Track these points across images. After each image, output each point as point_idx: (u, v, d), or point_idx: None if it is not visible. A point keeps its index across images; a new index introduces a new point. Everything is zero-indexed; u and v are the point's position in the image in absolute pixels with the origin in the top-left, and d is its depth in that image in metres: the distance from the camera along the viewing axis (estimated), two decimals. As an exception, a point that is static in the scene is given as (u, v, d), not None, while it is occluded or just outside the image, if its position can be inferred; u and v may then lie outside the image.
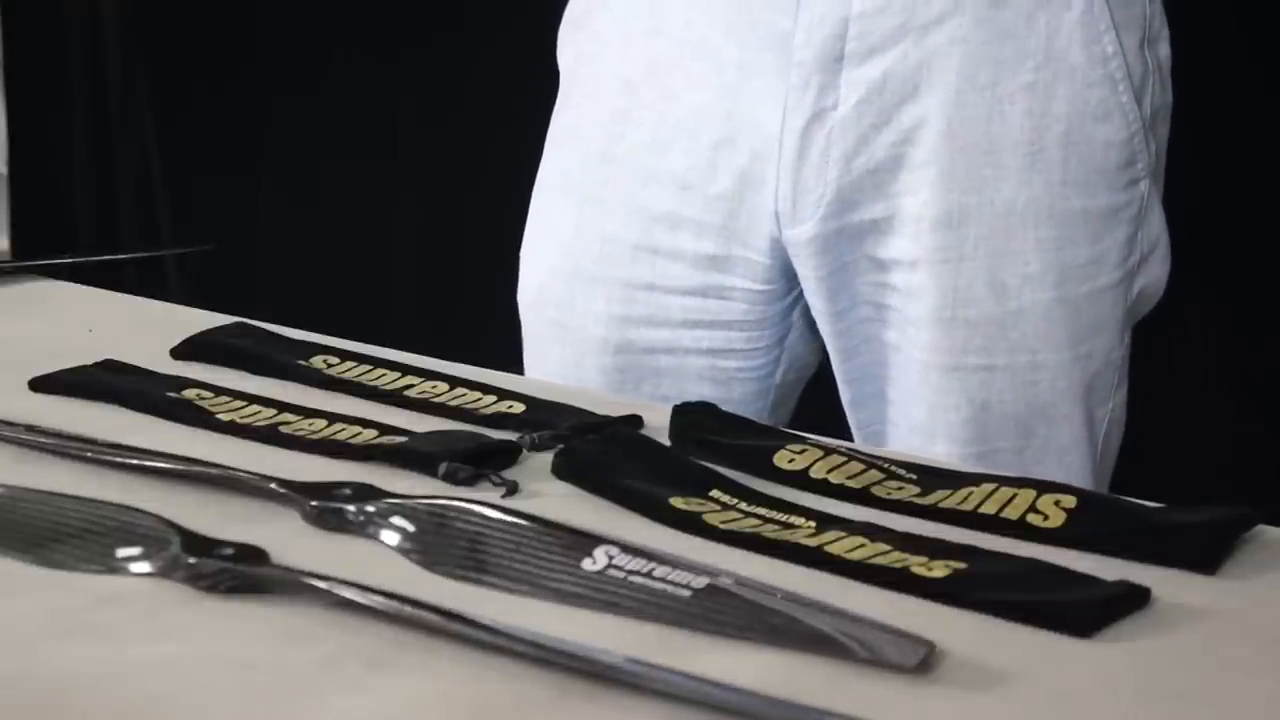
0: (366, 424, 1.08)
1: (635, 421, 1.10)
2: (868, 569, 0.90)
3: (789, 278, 1.34)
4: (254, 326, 1.25)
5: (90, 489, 0.99)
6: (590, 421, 1.09)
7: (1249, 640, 0.86)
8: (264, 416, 1.09)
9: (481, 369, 1.18)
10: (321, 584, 0.87)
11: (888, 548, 0.92)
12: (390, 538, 0.94)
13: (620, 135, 1.35)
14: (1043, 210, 1.29)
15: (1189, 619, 0.87)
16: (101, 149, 2.70)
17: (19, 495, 0.98)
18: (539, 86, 1.44)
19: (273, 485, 0.98)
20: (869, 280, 1.32)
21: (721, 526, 0.95)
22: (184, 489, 1.00)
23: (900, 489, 1.00)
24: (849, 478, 1.01)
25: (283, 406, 1.11)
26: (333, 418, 1.09)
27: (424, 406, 1.12)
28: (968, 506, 0.98)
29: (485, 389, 1.14)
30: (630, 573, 0.88)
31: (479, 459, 1.02)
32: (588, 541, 0.91)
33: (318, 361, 1.19)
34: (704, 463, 1.03)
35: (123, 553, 0.92)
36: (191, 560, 0.90)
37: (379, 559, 0.92)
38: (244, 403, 1.11)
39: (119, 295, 1.38)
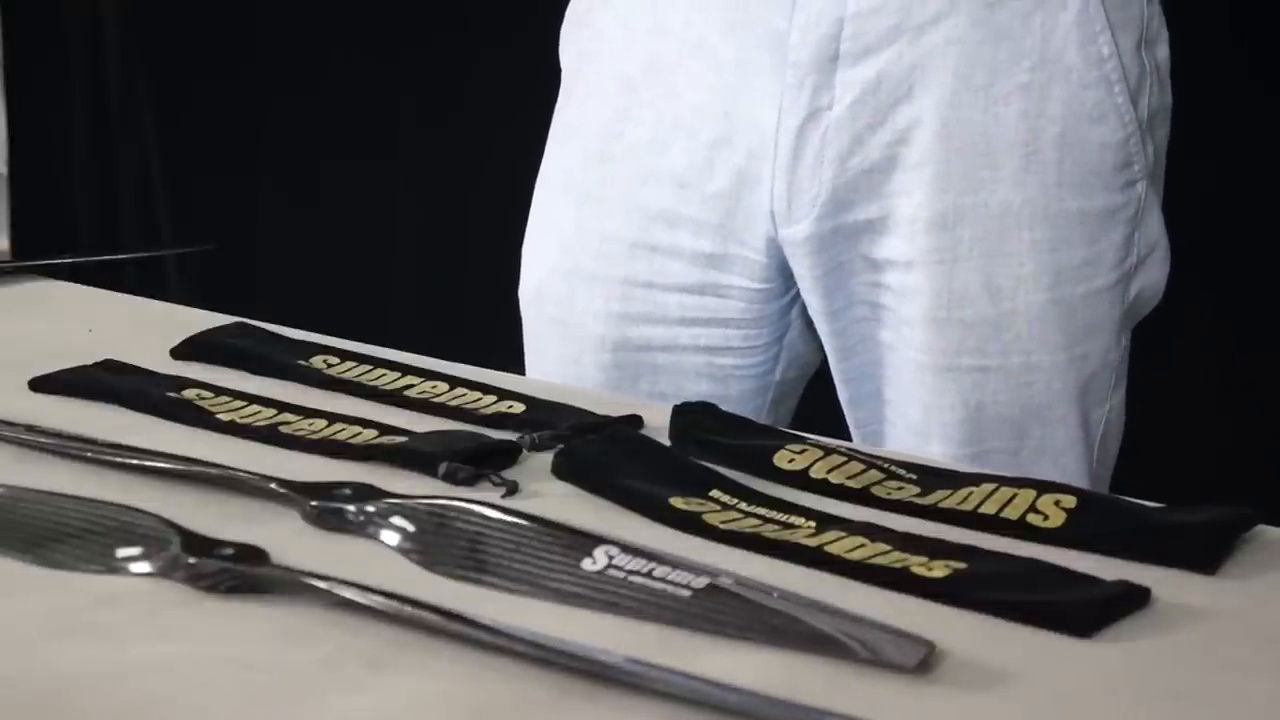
0: (366, 424, 1.08)
1: (635, 421, 1.10)
2: (868, 569, 0.90)
3: (786, 276, 1.34)
4: (254, 326, 1.25)
5: (90, 489, 0.99)
6: (590, 421, 1.09)
7: (1249, 640, 0.86)
8: (264, 416, 1.09)
9: (481, 369, 1.18)
10: (321, 584, 0.87)
11: (888, 548, 0.92)
12: (390, 538, 0.94)
13: (620, 133, 1.35)
14: (1038, 211, 1.29)
15: (1189, 619, 0.87)
16: (101, 149, 2.70)
17: (19, 495, 0.98)
18: (539, 86, 1.44)
19: (273, 485, 0.98)
20: (864, 280, 1.32)
21: (721, 526, 0.95)
22: (184, 489, 1.00)
23: (900, 489, 1.00)
24: (849, 478, 1.01)
25: (283, 406, 1.11)
26: (333, 418, 1.09)
27: (424, 406, 1.12)
28: (968, 506, 0.98)
29: (485, 389, 1.14)
30: (630, 573, 0.88)
31: (479, 459, 1.02)
32: (588, 541, 0.91)
33: (318, 361, 1.19)
34: (704, 463, 1.03)
35: (123, 553, 0.92)
36: (191, 560, 0.90)
37: (379, 559, 0.92)
38: (244, 403, 1.11)
39: (119, 295, 1.38)
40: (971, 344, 1.30)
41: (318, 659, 0.83)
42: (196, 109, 2.64)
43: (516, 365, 1.41)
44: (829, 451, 1.04)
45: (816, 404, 1.43)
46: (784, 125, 1.29)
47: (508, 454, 1.04)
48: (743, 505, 0.98)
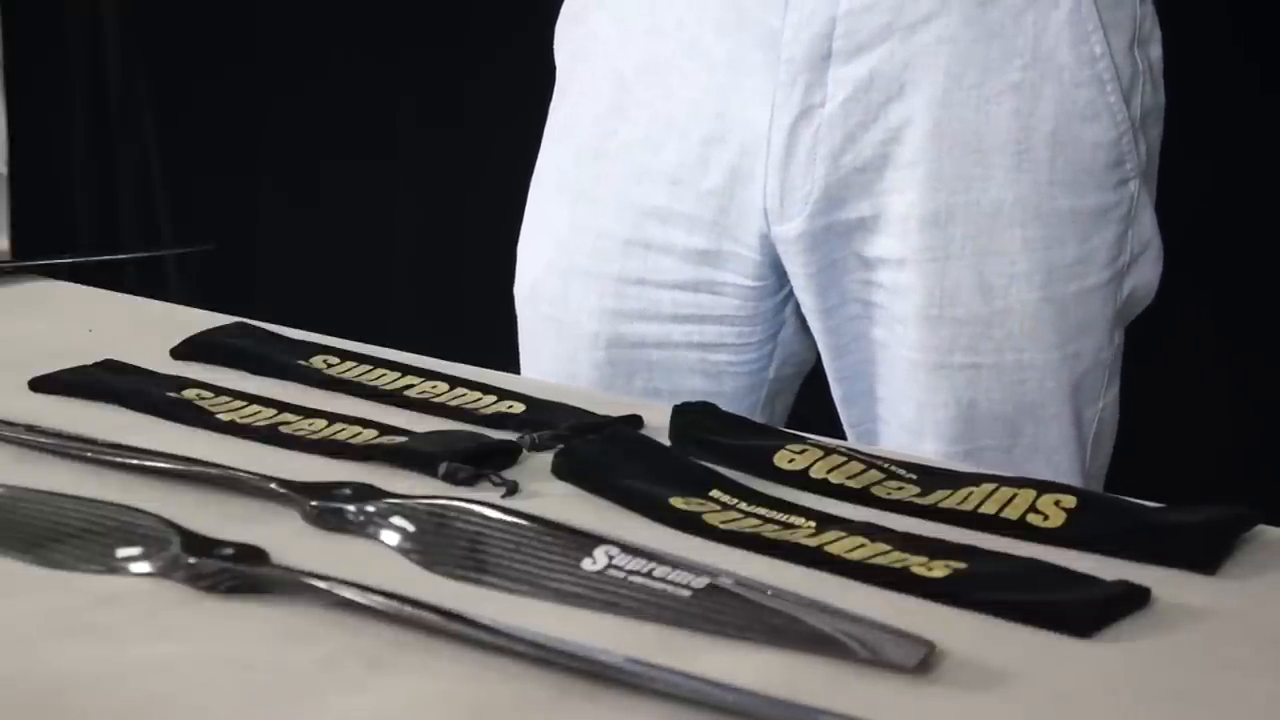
0: (366, 424, 1.08)
1: (635, 421, 1.10)
2: (868, 569, 0.90)
3: (780, 274, 1.34)
4: (254, 326, 1.25)
5: (90, 489, 0.99)
6: (590, 421, 1.09)
7: (1249, 640, 0.86)
8: (264, 416, 1.09)
9: (481, 369, 1.18)
10: (321, 584, 0.87)
11: (888, 548, 0.92)
12: (390, 538, 0.94)
13: (614, 131, 1.35)
14: (1030, 210, 1.29)
15: (1189, 619, 0.87)
16: (101, 149, 2.70)
17: (19, 495, 0.98)
18: (539, 87, 1.44)
19: (273, 485, 0.98)
20: (857, 278, 1.32)
21: (721, 526, 0.95)
22: (184, 489, 1.00)
23: (900, 489, 1.00)
24: (849, 478, 1.01)
25: (283, 406, 1.11)
26: (333, 418, 1.09)
27: (424, 406, 1.12)
28: (968, 506, 0.98)
29: (485, 389, 1.14)
30: (630, 573, 0.88)
31: (479, 459, 1.02)
32: (588, 541, 0.91)
33: (318, 361, 1.19)
34: (704, 463, 1.03)
35: (123, 553, 0.92)
36: (191, 560, 0.90)
37: (379, 559, 0.92)
38: (244, 403, 1.11)
39: (119, 295, 1.38)
40: (964, 342, 1.30)
41: (318, 659, 0.83)
42: (196, 109, 2.64)
43: (516, 365, 1.41)
44: (829, 451, 1.04)
45: (812, 403, 1.43)
46: (777, 123, 1.29)
47: (508, 454, 1.04)
48: (743, 505, 0.98)
